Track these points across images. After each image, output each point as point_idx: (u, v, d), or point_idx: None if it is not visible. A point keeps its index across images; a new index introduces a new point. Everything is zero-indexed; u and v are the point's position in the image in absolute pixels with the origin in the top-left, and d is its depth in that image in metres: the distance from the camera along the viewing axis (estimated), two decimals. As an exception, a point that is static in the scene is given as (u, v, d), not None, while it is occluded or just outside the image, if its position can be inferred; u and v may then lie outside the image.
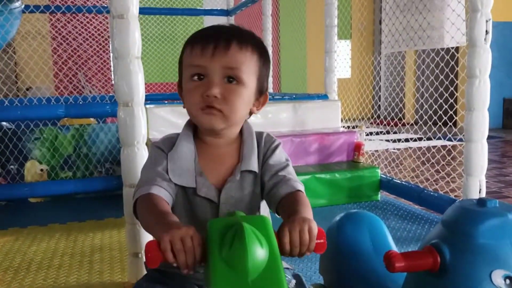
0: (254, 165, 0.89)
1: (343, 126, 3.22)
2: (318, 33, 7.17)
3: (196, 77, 0.83)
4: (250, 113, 0.92)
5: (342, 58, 3.84)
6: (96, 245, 2.02)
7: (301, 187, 0.87)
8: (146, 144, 1.57)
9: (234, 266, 0.63)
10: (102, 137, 2.87)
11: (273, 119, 2.89)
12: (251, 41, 0.87)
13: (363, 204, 2.60)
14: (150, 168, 0.89)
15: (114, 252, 1.93)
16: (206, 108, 0.82)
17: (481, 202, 0.75)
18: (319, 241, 0.72)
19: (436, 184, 2.80)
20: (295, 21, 7.00)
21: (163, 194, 0.84)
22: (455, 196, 2.28)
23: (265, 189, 0.89)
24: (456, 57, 3.07)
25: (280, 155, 0.92)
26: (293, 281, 0.89)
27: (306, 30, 7.13)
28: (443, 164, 3.10)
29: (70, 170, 2.81)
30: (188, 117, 0.91)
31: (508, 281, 0.68)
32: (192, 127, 0.92)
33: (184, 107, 0.90)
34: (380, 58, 7.20)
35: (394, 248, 1.12)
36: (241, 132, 0.93)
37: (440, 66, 2.88)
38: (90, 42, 5.88)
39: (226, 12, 5.25)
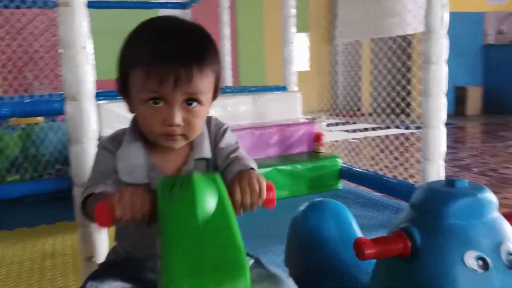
0: (206, 152, 0.87)
1: (303, 119, 3.20)
2: (275, 25, 7.15)
3: (151, 102, 0.78)
4: None
5: (301, 51, 3.83)
6: (47, 251, 1.90)
7: (253, 165, 0.84)
8: (98, 140, 1.47)
9: (183, 210, 0.63)
10: (51, 137, 2.71)
11: (233, 112, 2.83)
12: (211, 60, 0.80)
13: (324, 194, 2.58)
14: (95, 168, 0.86)
15: (67, 257, 1.82)
16: (168, 135, 0.79)
17: (450, 182, 0.72)
18: (269, 193, 0.72)
19: (396, 171, 2.83)
20: (252, 13, 6.96)
21: (110, 191, 0.78)
22: (414, 181, 2.30)
23: (220, 171, 0.86)
24: (412, 45, 3.13)
25: (229, 138, 0.90)
26: (251, 260, 0.86)
27: (263, 22, 7.10)
28: (401, 151, 3.14)
29: (18, 173, 2.64)
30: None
31: (480, 262, 0.65)
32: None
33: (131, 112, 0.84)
34: (337, 49, 7.29)
35: (360, 235, 1.09)
36: None
37: (396, 53, 2.92)
38: (38, 38, 5.58)
39: (182, 5, 5.11)
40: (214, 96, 0.87)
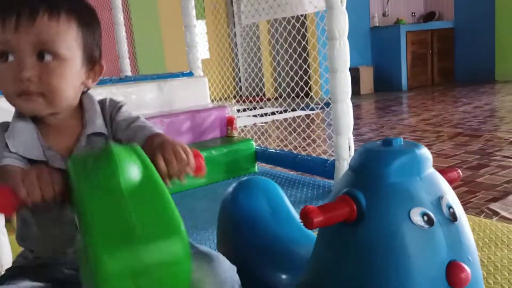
0: (101, 127, 0.81)
1: (211, 104, 3.13)
2: (171, 10, 6.96)
3: (3, 57, 0.70)
4: (86, 88, 0.82)
5: (200, 38, 3.73)
6: None
7: (160, 131, 0.79)
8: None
9: (105, 184, 0.56)
10: None
11: (138, 100, 2.67)
12: (66, 4, 0.72)
13: (242, 178, 2.56)
14: None
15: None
16: (22, 94, 0.71)
17: (386, 141, 0.71)
18: (197, 159, 0.68)
19: (305, 150, 2.90)
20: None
21: (18, 164, 0.72)
22: (327, 156, 2.37)
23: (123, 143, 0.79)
24: (305, 24, 3.20)
25: (127, 112, 0.84)
26: None
27: (158, 7, 6.84)
28: (308, 132, 3.23)
29: None
30: None
31: (426, 217, 0.65)
32: None
33: None
34: (235, 32, 7.29)
35: (293, 209, 1.07)
36: (81, 103, 0.82)
37: (292, 34, 2.97)
38: None
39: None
40: (94, 66, 0.80)
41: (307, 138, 3.16)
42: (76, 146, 0.79)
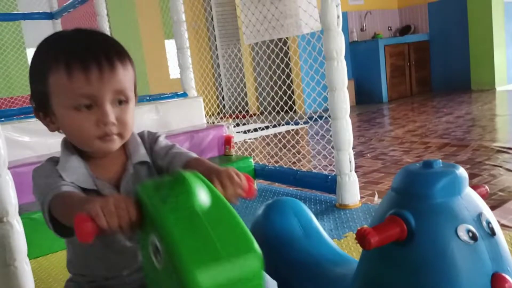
0: (143, 156, 0.87)
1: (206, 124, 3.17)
2: (153, 32, 6.99)
3: (83, 107, 0.75)
4: None
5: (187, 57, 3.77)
6: None
7: (195, 155, 0.86)
8: None
9: (180, 205, 0.60)
10: None
11: (136, 122, 2.67)
12: (127, 54, 0.80)
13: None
14: (48, 175, 0.79)
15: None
16: (105, 136, 0.78)
17: (427, 164, 0.77)
18: (249, 183, 0.73)
19: (298, 163, 2.96)
20: (127, 21, 6.68)
21: (74, 190, 0.76)
22: (329, 171, 2.43)
23: (164, 170, 0.87)
24: (287, 43, 3.30)
25: (164, 141, 0.91)
26: None
27: (139, 30, 6.86)
28: (298, 146, 3.30)
29: None
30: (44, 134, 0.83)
31: (470, 233, 0.71)
32: (71, 144, 0.84)
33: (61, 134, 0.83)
34: (218, 54, 7.37)
35: (322, 229, 1.12)
36: None
37: (275, 52, 3.06)
38: None
39: (50, 15, 4.73)
40: (135, 97, 0.87)
41: (297, 154, 3.21)
42: (125, 174, 0.85)
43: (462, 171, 0.77)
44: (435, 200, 0.73)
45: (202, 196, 0.62)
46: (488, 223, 0.74)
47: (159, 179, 0.66)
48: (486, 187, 0.87)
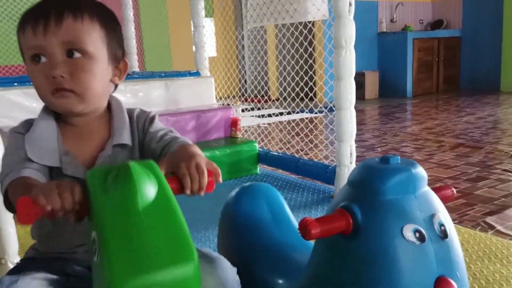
0: (126, 139, 0.84)
1: (217, 104, 3.17)
2: (180, 8, 6.99)
3: (36, 59, 0.76)
4: (114, 85, 0.87)
5: (207, 36, 3.78)
6: None
7: (191, 142, 0.83)
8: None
9: (123, 202, 0.58)
10: None
11: (145, 98, 2.71)
12: (88, 7, 0.78)
13: (243, 179, 2.60)
14: (13, 154, 0.78)
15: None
16: (55, 91, 0.76)
17: (384, 159, 0.75)
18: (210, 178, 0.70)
19: (308, 154, 2.93)
20: (156, -3, 6.70)
21: (35, 175, 0.74)
22: (328, 162, 2.40)
23: (155, 154, 0.83)
24: (312, 31, 3.23)
25: (160, 124, 0.88)
26: None
27: (167, 5, 6.88)
28: (311, 135, 3.27)
29: None
30: None
31: (417, 234, 0.69)
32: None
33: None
34: (243, 35, 7.32)
35: (292, 217, 1.11)
36: (109, 107, 0.86)
37: (299, 40, 3.01)
38: None
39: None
40: (120, 65, 0.85)
41: (309, 143, 3.19)
42: (101, 154, 0.82)
43: (419, 170, 0.74)
44: (385, 197, 0.71)
45: (148, 191, 0.60)
46: (441, 225, 0.71)
47: (109, 167, 0.63)
48: (453, 189, 0.84)
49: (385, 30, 7.11)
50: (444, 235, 0.71)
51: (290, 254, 0.99)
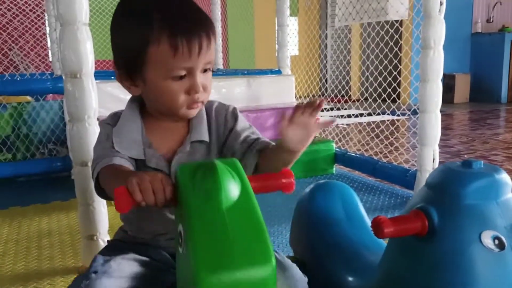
0: (204, 135, 0.87)
1: (296, 102, 3.20)
2: (266, 8, 7.11)
3: (178, 77, 0.80)
4: None
5: (291, 35, 3.81)
6: (44, 230, 1.88)
7: (272, 143, 0.87)
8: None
9: (207, 198, 0.61)
10: (44, 116, 2.67)
11: (227, 94, 2.81)
12: (212, 24, 0.83)
13: (319, 178, 2.61)
14: (104, 142, 0.85)
15: (64, 236, 1.81)
16: (193, 104, 0.82)
17: (466, 163, 0.73)
18: (287, 179, 0.72)
19: (387, 157, 2.86)
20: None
21: (125, 163, 0.80)
22: (409, 166, 2.33)
23: (237, 154, 0.86)
24: (400, 31, 3.14)
25: (243, 121, 0.91)
26: None
27: (253, 4, 7.02)
28: (392, 137, 3.17)
29: (10, 152, 2.60)
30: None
31: (497, 241, 0.67)
32: (137, 102, 0.87)
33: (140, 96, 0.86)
34: (327, 34, 7.26)
35: (366, 216, 1.11)
36: None
37: (385, 40, 2.92)
38: (21, 18, 5.43)
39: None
40: None
41: (389, 145, 3.11)
42: (180, 149, 0.86)
43: (504, 176, 0.71)
44: (464, 201, 0.69)
45: (232, 190, 0.63)
46: (524, 234, 0.68)
47: (198, 163, 0.67)
48: (542, 198, 0.79)
49: (480, 31, 6.67)
50: (527, 245, 0.68)
51: (363, 252, 0.99)
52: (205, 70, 0.81)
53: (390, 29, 2.69)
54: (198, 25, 0.79)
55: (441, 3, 1.98)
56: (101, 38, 6.13)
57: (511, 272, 0.66)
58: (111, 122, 0.87)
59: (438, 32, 2.00)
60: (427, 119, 2.07)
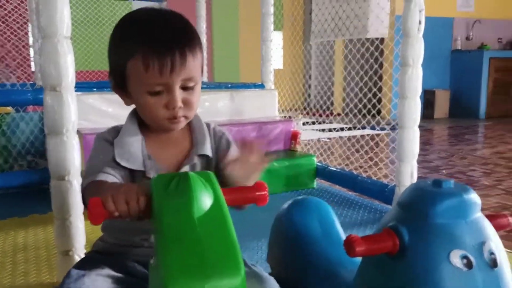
0: (208, 150, 0.91)
1: (279, 117, 3.22)
2: (251, 22, 7.18)
3: (154, 92, 0.83)
4: None
5: (275, 49, 3.86)
6: (19, 244, 1.85)
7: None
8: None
9: (180, 209, 0.63)
10: (23, 127, 2.63)
11: (210, 108, 2.82)
12: (197, 42, 0.86)
13: (300, 192, 2.62)
14: (95, 157, 0.87)
15: (40, 251, 1.77)
16: (173, 119, 0.84)
17: (436, 183, 0.75)
18: (260, 192, 0.73)
19: (368, 171, 2.89)
20: (228, 8, 6.93)
21: (111, 179, 0.82)
22: (387, 181, 2.36)
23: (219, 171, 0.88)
24: (380, 48, 3.20)
25: (235, 148, 0.93)
26: None
27: (239, 18, 7.08)
28: (372, 153, 3.21)
29: (-13, 164, 2.55)
30: (125, 107, 0.91)
31: (465, 260, 0.68)
32: (137, 117, 0.90)
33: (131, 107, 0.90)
34: (311, 48, 7.35)
35: (342, 233, 1.12)
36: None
37: (367, 59, 2.98)
38: (3, 28, 5.38)
39: (158, -2, 5.08)
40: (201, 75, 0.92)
41: (369, 160, 3.14)
42: (186, 161, 0.89)
43: (473, 196, 0.73)
44: (434, 220, 0.71)
45: (204, 202, 0.64)
46: (491, 253, 0.70)
47: (173, 175, 0.68)
48: (510, 218, 0.81)
49: (459, 48, 6.83)
50: (493, 263, 0.70)
51: (338, 270, 1.00)
52: (185, 86, 0.83)
53: (371, 46, 2.75)
54: (173, 44, 0.81)
55: (419, 22, 2.03)
56: (84, 49, 6.11)
57: (478, 290, 0.68)
58: (109, 137, 0.89)
59: (417, 50, 2.04)
60: (405, 135, 2.11)
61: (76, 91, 2.61)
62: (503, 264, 0.71)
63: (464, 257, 0.68)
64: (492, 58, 6.48)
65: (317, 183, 2.74)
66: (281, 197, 2.50)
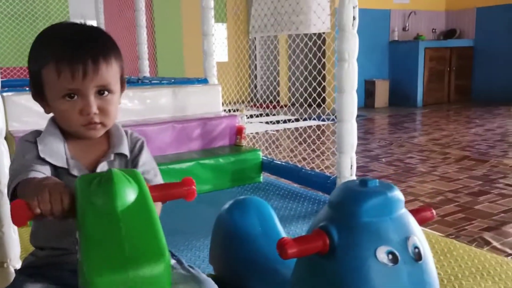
0: (125, 150, 0.93)
1: (224, 110, 3.21)
2: (194, 15, 7.08)
3: (67, 97, 0.84)
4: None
5: (220, 41, 3.83)
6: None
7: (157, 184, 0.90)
8: (6, 137, 1.37)
9: (102, 204, 0.64)
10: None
11: (152, 104, 2.77)
12: (113, 51, 0.88)
13: (246, 187, 2.64)
14: (20, 158, 0.87)
15: (-28, 264, 1.68)
16: (88, 124, 0.86)
17: (362, 182, 0.78)
18: (187, 187, 0.74)
19: (313, 163, 2.96)
20: (170, 1, 6.80)
21: (41, 176, 0.80)
22: (330, 173, 2.43)
23: None
24: (325, 41, 3.27)
25: (147, 155, 0.96)
26: (173, 260, 0.92)
27: (181, 11, 6.97)
28: (317, 143, 3.29)
29: None
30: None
31: (390, 256, 0.72)
32: (57, 124, 0.90)
33: (49, 114, 0.90)
34: (255, 39, 7.38)
35: (282, 230, 1.14)
36: None
37: (312, 50, 3.04)
38: None
39: (93, -9, 4.89)
40: (122, 88, 0.94)
41: (316, 150, 3.22)
42: (103, 159, 0.91)
43: (396, 193, 0.77)
44: (361, 219, 0.74)
45: (128, 197, 0.66)
46: (415, 247, 0.74)
47: (96, 174, 0.69)
48: (433, 211, 0.86)
49: (397, 39, 7.11)
50: (418, 257, 0.74)
51: (278, 268, 1.02)
52: (102, 93, 0.85)
53: (316, 40, 2.80)
54: (85, 51, 0.83)
55: (354, 18, 2.09)
56: (17, 44, 5.78)
57: (405, 284, 0.71)
58: (30, 138, 0.88)
59: (352, 45, 2.11)
60: (344, 128, 2.17)
61: (7, 90, 2.50)
62: (427, 257, 0.75)
63: (390, 252, 0.72)
64: (427, 48, 6.80)
65: (263, 177, 2.77)
66: (228, 192, 2.52)
